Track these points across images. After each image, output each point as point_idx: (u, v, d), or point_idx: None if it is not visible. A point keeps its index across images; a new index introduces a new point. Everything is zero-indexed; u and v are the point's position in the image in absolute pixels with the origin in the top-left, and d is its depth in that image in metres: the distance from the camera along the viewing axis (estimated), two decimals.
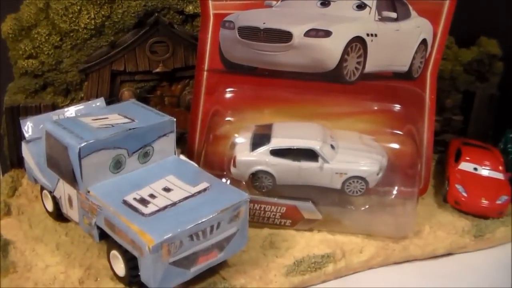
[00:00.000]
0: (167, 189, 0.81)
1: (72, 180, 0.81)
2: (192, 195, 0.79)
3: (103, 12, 1.05)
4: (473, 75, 1.18)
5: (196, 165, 0.88)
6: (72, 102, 1.09)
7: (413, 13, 0.95)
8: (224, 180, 0.90)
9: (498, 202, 0.99)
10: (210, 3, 0.94)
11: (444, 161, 1.14)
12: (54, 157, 0.84)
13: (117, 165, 0.83)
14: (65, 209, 0.88)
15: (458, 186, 1.01)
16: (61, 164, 0.82)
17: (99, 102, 1.01)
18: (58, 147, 0.82)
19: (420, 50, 0.97)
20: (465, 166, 1.06)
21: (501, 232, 0.97)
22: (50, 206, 0.92)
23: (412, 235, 0.93)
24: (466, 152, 1.08)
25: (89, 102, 1.01)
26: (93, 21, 1.04)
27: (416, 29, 0.96)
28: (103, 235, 0.80)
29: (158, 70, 1.07)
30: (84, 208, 0.81)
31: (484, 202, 0.99)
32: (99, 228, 0.79)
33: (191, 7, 1.08)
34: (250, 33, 0.95)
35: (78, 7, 1.04)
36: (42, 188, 0.94)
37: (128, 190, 0.80)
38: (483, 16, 1.20)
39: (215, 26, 0.96)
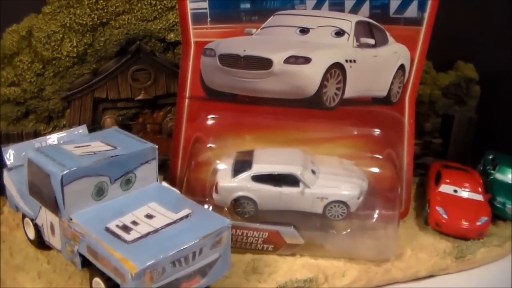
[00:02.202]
0: (149, 216, 0.81)
1: (54, 207, 0.81)
2: (174, 222, 0.79)
3: (85, 40, 1.05)
4: (451, 99, 1.20)
5: (178, 191, 0.88)
6: (54, 129, 1.09)
7: (391, 39, 0.96)
8: (206, 206, 0.90)
9: (478, 223, 1.00)
10: (191, 31, 0.95)
11: (424, 184, 1.15)
12: (36, 184, 0.84)
13: (100, 192, 0.83)
14: (47, 236, 0.87)
15: (439, 208, 1.02)
16: (44, 192, 0.82)
17: (81, 129, 1.01)
18: (40, 174, 0.82)
19: (398, 75, 0.98)
20: (445, 188, 1.07)
21: (482, 253, 0.98)
22: (31, 234, 0.92)
23: (394, 258, 0.94)
24: (446, 175, 1.09)
25: (72, 129, 1.01)
26: (75, 49, 1.05)
27: (393, 55, 0.97)
28: (85, 263, 0.79)
29: (140, 97, 1.08)
30: (66, 236, 0.81)
31: (465, 223, 1.00)
32: (81, 255, 0.79)
33: (172, 35, 1.09)
34: (231, 60, 0.96)
35: (61, 35, 1.05)
36: (23, 216, 0.93)
37: (110, 217, 0.80)
38: (459, 41, 1.23)
39: (196, 53, 0.97)
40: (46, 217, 0.85)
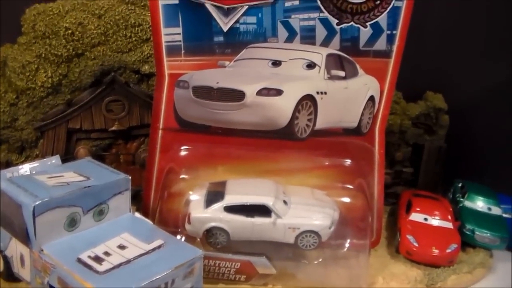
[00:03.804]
0: (122, 247, 0.80)
1: (25, 238, 0.80)
2: (147, 252, 0.79)
3: (60, 71, 1.06)
4: (421, 128, 1.23)
5: (151, 222, 0.88)
6: (27, 159, 1.09)
7: (361, 71, 0.98)
8: (178, 237, 0.90)
9: (448, 250, 1.01)
10: (165, 63, 0.96)
11: (395, 212, 1.16)
12: (7, 215, 0.83)
13: (72, 223, 0.83)
14: (17, 268, 0.86)
15: (409, 237, 1.03)
16: (15, 223, 0.82)
17: (55, 159, 1.00)
18: (11, 205, 0.81)
19: (368, 106, 1.00)
20: (416, 217, 1.08)
21: (452, 280, 0.99)
22: (0, 266, 0.91)
23: (366, 286, 0.94)
24: (416, 203, 1.11)
25: (45, 159, 1.00)
26: (50, 80, 1.05)
27: (363, 86, 0.99)
28: None
29: (113, 128, 1.08)
30: (37, 267, 0.80)
31: (435, 251, 1.01)
32: (52, 287, 0.78)
33: (146, 67, 1.10)
34: (204, 92, 0.97)
35: (36, 66, 1.05)
36: None
37: (82, 248, 0.79)
38: (428, 72, 1.26)
39: (170, 85, 0.97)
40: (16, 248, 0.84)
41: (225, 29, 0.95)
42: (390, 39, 0.95)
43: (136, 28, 1.09)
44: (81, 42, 1.07)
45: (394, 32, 0.95)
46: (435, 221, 1.07)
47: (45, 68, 1.05)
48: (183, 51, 0.96)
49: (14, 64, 1.05)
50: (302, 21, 0.95)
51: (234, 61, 0.97)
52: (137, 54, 1.10)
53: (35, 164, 0.99)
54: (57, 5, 1.09)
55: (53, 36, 1.06)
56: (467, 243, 1.08)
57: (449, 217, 1.08)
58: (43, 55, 1.05)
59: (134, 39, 1.09)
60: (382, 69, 0.98)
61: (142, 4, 1.11)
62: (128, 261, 0.77)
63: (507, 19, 1.23)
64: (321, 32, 0.95)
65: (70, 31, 1.06)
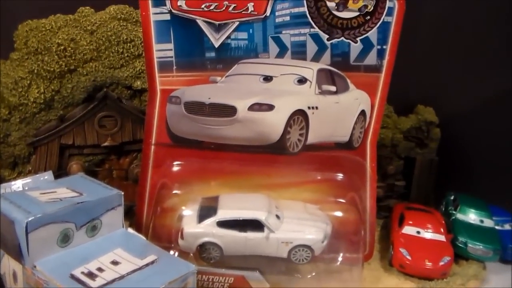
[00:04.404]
0: (115, 262, 0.80)
1: (18, 255, 0.80)
2: (140, 268, 0.79)
3: (52, 87, 1.06)
4: (413, 142, 1.24)
5: (144, 238, 0.88)
6: (19, 175, 1.09)
7: (351, 86, 0.99)
8: (172, 252, 0.90)
9: (441, 263, 1.02)
10: (157, 79, 0.97)
11: (388, 226, 1.17)
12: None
13: (65, 239, 0.82)
14: (9, 284, 0.86)
15: (402, 250, 1.04)
16: (7, 239, 0.81)
17: (47, 175, 1.00)
18: (4, 221, 0.80)
19: (360, 120, 1.01)
20: (408, 230, 1.09)
21: None
22: None
23: None
24: (409, 216, 1.11)
25: (37, 175, 1.00)
26: (42, 95, 1.06)
27: (354, 101, 1.00)
28: None
29: (106, 143, 1.09)
30: (29, 284, 0.80)
31: (428, 264, 1.02)
32: None
33: (139, 82, 1.11)
34: (196, 108, 0.97)
35: (28, 82, 1.05)
36: None
37: (75, 264, 0.79)
38: (419, 86, 1.27)
39: (162, 101, 0.98)
40: (9, 265, 0.84)
41: (217, 45, 0.95)
42: (381, 53, 0.96)
43: (128, 44, 1.10)
44: (73, 58, 1.07)
45: (384, 47, 0.96)
46: (427, 234, 1.08)
47: (37, 84, 1.06)
48: (175, 67, 0.96)
49: (6, 80, 1.05)
50: (293, 36, 0.96)
51: (226, 76, 0.98)
52: (129, 70, 1.10)
53: (27, 180, 0.99)
54: (50, 21, 1.09)
55: (46, 52, 1.06)
56: (460, 256, 1.09)
57: (442, 229, 1.09)
58: (35, 71, 1.06)
59: (126, 55, 1.10)
60: (372, 84, 0.98)
61: (134, 20, 1.12)
62: (122, 277, 0.77)
63: (496, 33, 1.24)
64: (312, 48, 0.96)
65: (62, 47, 1.06)
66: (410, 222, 1.10)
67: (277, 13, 0.94)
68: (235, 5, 0.93)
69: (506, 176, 1.26)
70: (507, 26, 1.22)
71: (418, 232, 1.08)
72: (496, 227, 1.14)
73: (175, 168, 1.00)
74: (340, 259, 0.95)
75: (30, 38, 1.07)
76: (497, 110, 1.26)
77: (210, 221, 0.92)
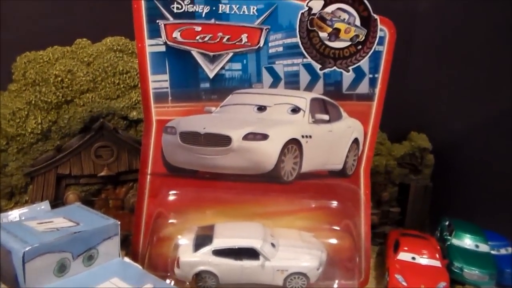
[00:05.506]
0: None
1: (14, 285, 0.79)
2: None
3: (50, 117, 1.07)
4: (407, 168, 1.24)
5: (140, 267, 0.88)
6: (16, 205, 1.09)
7: (344, 114, 1.00)
8: (168, 281, 0.91)
9: None
10: (153, 110, 0.97)
11: (383, 252, 1.17)
12: None
13: (62, 269, 0.82)
14: None
15: (398, 276, 1.04)
16: (4, 269, 0.81)
17: (44, 205, 1.00)
18: (1, 251, 0.81)
19: (353, 148, 1.02)
20: (404, 256, 1.09)
21: None
22: None
23: None
24: (404, 243, 1.11)
25: (34, 205, 1.00)
26: (39, 126, 1.06)
27: (347, 129, 1.01)
28: None
29: (102, 173, 1.09)
30: None
31: None
32: None
33: (135, 113, 1.12)
34: (191, 138, 0.98)
35: (26, 112, 1.06)
36: None
37: None
38: (411, 113, 1.28)
39: (158, 131, 0.99)
40: None
41: (211, 75, 0.97)
42: (373, 82, 0.98)
43: (124, 75, 1.11)
44: (70, 89, 1.08)
45: (376, 75, 0.97)
46: (423, 260, 1.08)
47: (35, 115, 1.07)
48: (170, 98, 0.97)
49: (4, 110, 1.06)
50: (286, 66, 0.97)
51: (220, 106, 0.99)
52: (125, 101, 1.12)
53: (24, 210, 0.99)
54: (47, 52, 1.11)
55: (43, 83, 1.08)
56: (456, 281, 1.09)
57: (437, 255, 1.09)
58: (33, 102, 1.07)
59: (122, 86, 1.11)
60: (365, 112, 0.99)
61: (130, 51, 1.13)
62: None
63: (489, 59, 1.26)
64: (305, 77, 0.97)
65: (59, 78, 1.08)
66: (405, 248, 1.10)
67: (270, 44, 0.96)
68: (229, 36, 0.95)
69: (500, 200, 1.26)
70: (496, 53, 1.24)
71: (414, 258, 1.08)
72: (492, 252, 1.14)
73: (171, 198, 1.00)
74: (335, 286, 0.95)
75: (28, 69, 1.08)
76: (489, 135, 1.27)
77: (206, 249, 0.92)
